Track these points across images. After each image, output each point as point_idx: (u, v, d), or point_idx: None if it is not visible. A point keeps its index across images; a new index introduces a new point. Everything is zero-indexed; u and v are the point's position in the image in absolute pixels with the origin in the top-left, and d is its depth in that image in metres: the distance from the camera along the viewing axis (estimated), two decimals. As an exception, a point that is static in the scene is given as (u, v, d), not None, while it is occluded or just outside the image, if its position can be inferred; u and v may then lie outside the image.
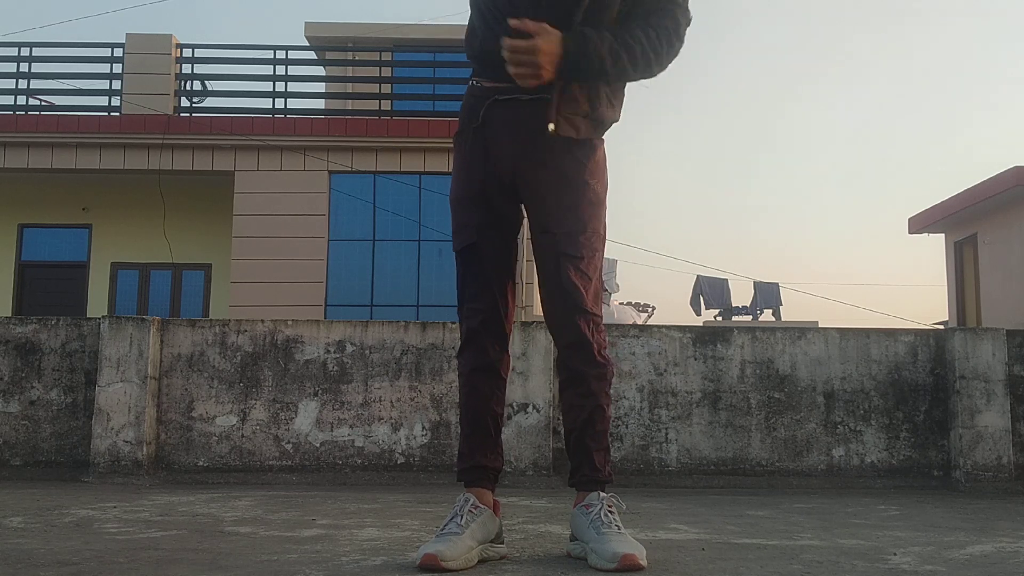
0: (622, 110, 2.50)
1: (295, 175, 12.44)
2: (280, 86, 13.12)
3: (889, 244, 53.73)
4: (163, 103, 12.76)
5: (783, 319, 21.74)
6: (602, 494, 2.35)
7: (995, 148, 58.60)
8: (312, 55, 14.71)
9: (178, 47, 13.10)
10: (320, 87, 15.25)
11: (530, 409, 4.95)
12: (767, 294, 22.75)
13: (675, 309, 44.84)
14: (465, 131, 2.44)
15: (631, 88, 2.49)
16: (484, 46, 2.38)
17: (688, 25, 2.39)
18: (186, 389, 5.05)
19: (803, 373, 5.11)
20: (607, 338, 2.48)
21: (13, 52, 12.89)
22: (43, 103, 13.27)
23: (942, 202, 16.31)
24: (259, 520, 3.19)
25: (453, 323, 5.12)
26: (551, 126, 2.32)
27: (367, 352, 5.08)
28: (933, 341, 5.18)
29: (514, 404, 4.91)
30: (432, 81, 13.63)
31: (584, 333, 2.36)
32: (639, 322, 18.56)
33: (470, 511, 2.28)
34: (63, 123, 12.50)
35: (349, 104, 14.04)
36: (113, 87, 12.90)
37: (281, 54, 13.05)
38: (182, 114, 12.95)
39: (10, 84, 12.94)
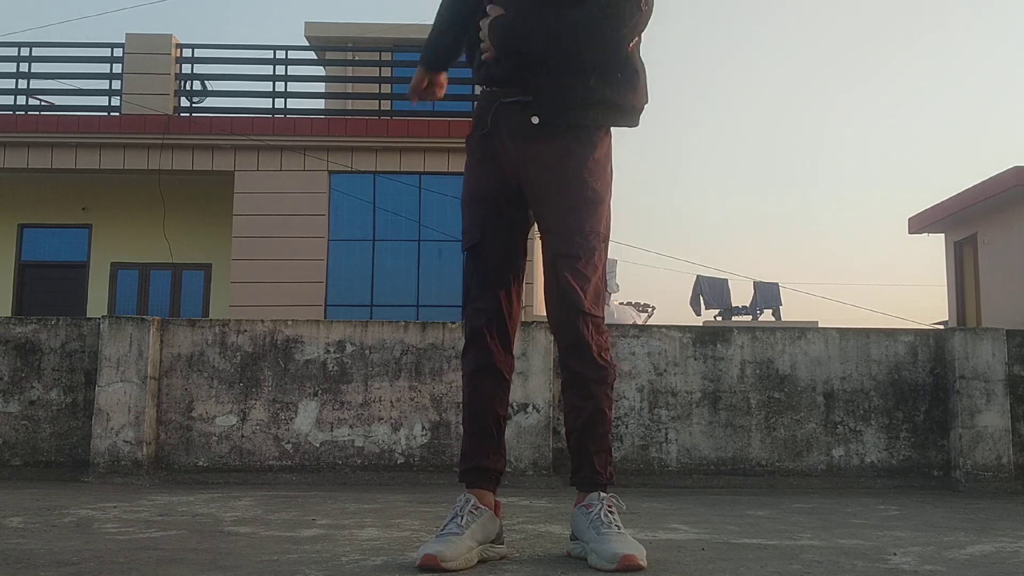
0: (640, 94, 2.44)
1: (295, 175, 12.44)
2: (280, 86, 13.12)
3: (889, 244, 53.76)
4: (163, 103, 12.76)
5: (783, 319, 21.73)
6: (602, 494, 2.35)
7: (995, 148, 58.63)
8: (312, 55, 14.71)
9: (178, 47, 13.10)
10: (320, 87, 15.25)
11: (530, 409, 4.95)
12: (767, 294, 22.74)
13: (675, 309, 44.81)
14: (475, 135, 2.48)
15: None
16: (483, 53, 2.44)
17: None
18: (186, 389, 5.05)
19: (803, 373, 5.11)
20: (609, 339, 2.47)
21: (13, 52, 12.88)
22: (43, 103, 13.26)
23: (942, 202, 16.31)
24: (259, 520, 3.19)
25: (453, 323, 5.12)
26: (534, 119, 2.36)
27: (367, 352, 5.08)
28: (933, 341, 5.18)
29: (514, 404, 4.90)
30: (432, 81, 13.59)
31: (582, 334, 2.35)
32: (639, 322, 18.54)
33: (471, 512, 2.27)
34: (63, 123, 12.50)
35: (349, 104, 14.04)
36: (113, 87, 12.90)
37: (281, 54, 13.05)
38: (182, 114, 12.95)
39: (10, 84, 12.95)
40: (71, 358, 5.08)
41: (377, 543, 2.62)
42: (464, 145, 2.55)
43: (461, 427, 2.63)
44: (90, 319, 5.19)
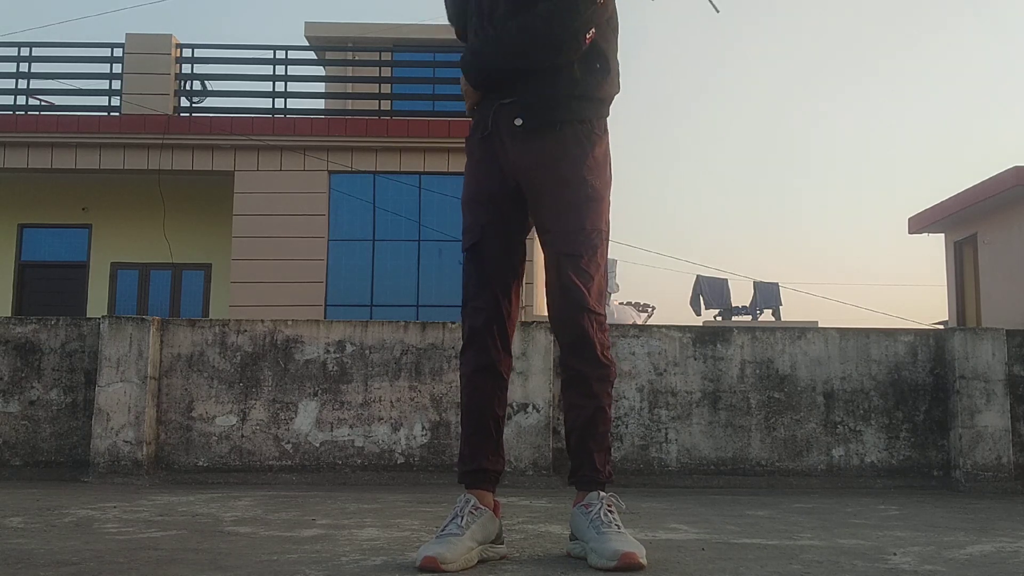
0: (612, 84, 2.46)
1: (295, 175, 12.44)
2: (280, 86, 13.13)
3: (889, 244, 53.77)
4: (163, 103, 12.76)
5: (783, 319, 21.73)
6: (602, 493, 2.35)
7: (995, 148, 58.63)
8: (312, 55, 14.71)
9: (178, 47, 13.10)
10: (320, 87, 15.26)
11: (530, 409, 4.95)
12: (767, 294, 22.74)
13: (675, 309, 44.86)
14: (475, 136, 2.49)
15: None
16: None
17: None
18: (186, 389, 5.05)
19: (803, 373, 5.11)
20: (609, 337, 2.48)
21: (13, 52, 12.89)
22: (43, 103, 13.27)
23: (942, 202, 16.31)
24: (259, 520, 3.19)
25: (453, 323, 5.12)
26: (517, 120, 2.38)
27: (367, 352, 5.08)
28: (933, 341, 5.18)
29: (514, 404, 4.91)
30: (432, 81, 13.62)
31: (587, 331, 2.36)
32: (639, 322, 18.55)
33: (471, 512, 2.28)
34: (63, 123, 12.50)
35: (349, 104, 14.04)
36: (113, 87, 12.90)
37: (281, 54, 13.06)
38: (182, 114, 12.96)
39: (10, 84, 12.96)
40: (71, 358, 5.08)
41: (377, 543, 2.62)
42: (464, 146, 2.56)
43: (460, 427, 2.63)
44: (90, 319, 5.19)
